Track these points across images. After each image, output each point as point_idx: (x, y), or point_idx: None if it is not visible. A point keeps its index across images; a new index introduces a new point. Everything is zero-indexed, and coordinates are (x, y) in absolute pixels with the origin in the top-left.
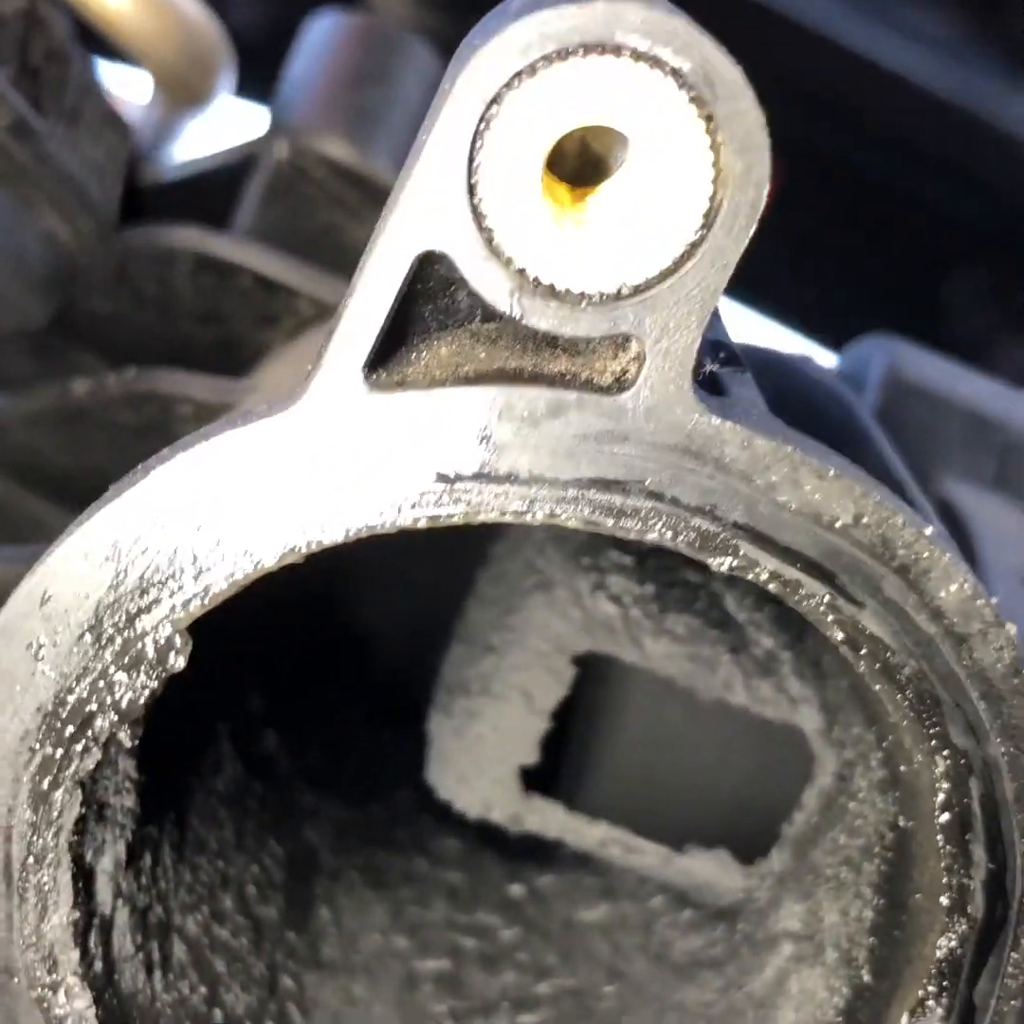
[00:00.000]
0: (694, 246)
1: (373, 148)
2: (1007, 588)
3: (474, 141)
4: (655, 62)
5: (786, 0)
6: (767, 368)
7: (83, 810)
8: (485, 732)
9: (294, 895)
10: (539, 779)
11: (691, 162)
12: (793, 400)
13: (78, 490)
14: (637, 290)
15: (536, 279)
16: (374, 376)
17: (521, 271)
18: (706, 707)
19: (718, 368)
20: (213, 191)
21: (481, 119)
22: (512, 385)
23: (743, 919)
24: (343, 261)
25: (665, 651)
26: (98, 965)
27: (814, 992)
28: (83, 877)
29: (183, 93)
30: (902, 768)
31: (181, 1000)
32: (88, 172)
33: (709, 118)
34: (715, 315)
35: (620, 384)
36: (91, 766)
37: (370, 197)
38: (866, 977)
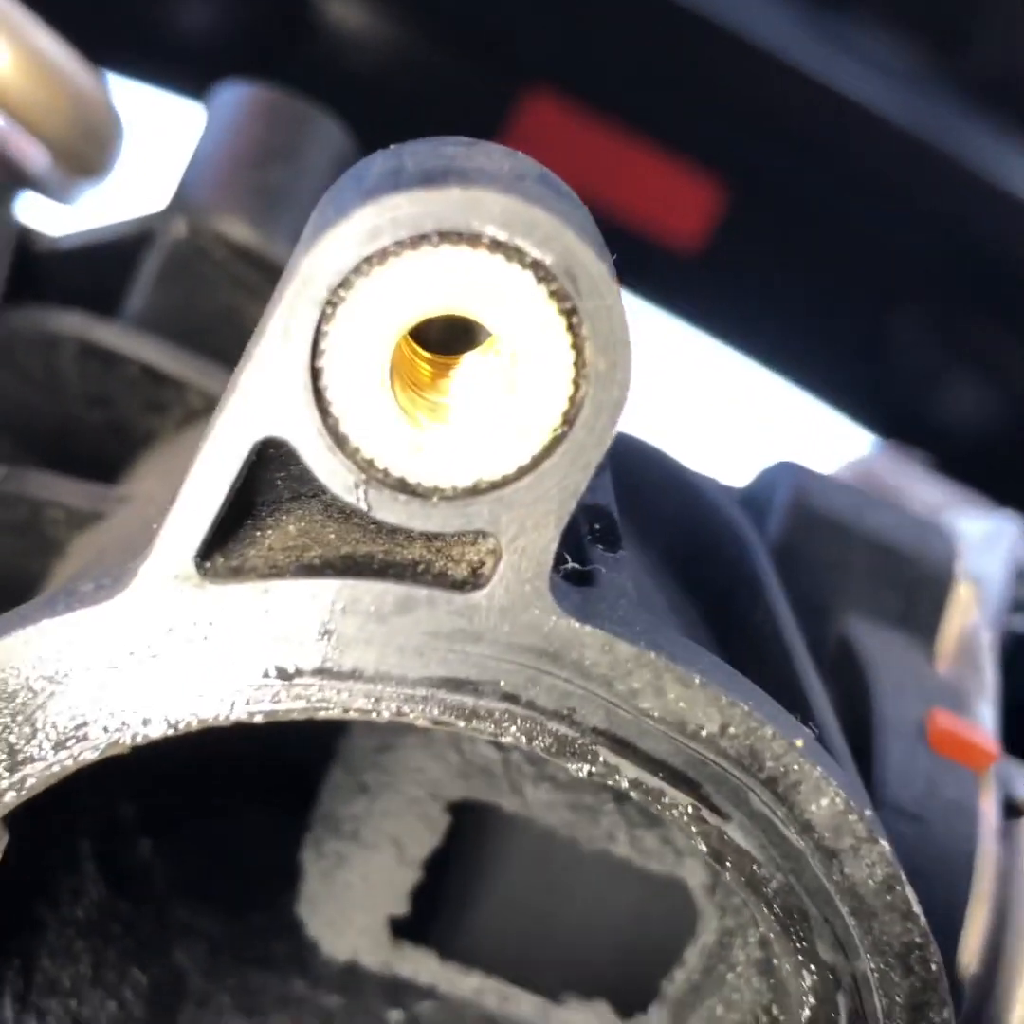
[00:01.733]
0: (553, 443)
1: (276, 229)
2: (903, 747)
3: (319, 325)
4: (514, 253)
5: (744, 22)
6: (667, 489)
7: None
8: (353, 880)
9: None
10: (414, 919)
11: (552, 357)
12: (688, 529)
13: None
14: (493, 486)
15: (385, 470)
16: (208, 564)
17: (369, 462)
18: (588, 856)
19: (589, 543)
20: (109, 263)
21: (326, 303)
22: (358, 579)
23: None
24: (242, 344)
25: (547, 799)
26: None
27: None
28: None
29: (77, 164)
30: (774, 961)
31: None
32: None
33: (571, 312)
34: (600, 470)
35: (475, 577)
36: None
37: (272, 279)
38: None
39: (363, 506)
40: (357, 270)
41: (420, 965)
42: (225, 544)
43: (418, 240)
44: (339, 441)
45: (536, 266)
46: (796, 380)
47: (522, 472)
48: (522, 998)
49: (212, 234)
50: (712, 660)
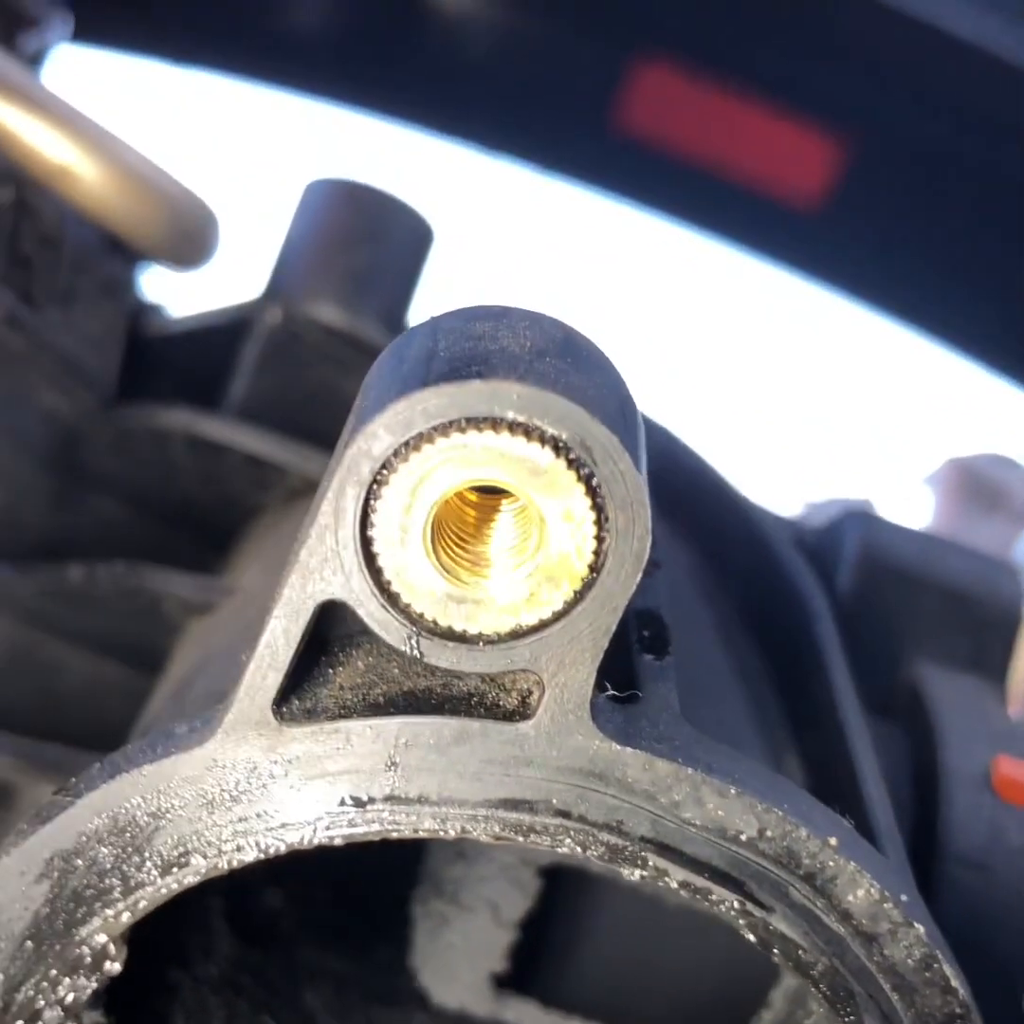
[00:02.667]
0: (583, 592)
1: (364, 309)
2: (968, 795)
3: (366, 502)
4: (534, 432)
5: None
6: (745, 543)
7: None
8: (455, 941)
9: None
10: (517, 970)
11: (575, 517)
12: (762, 586)
13: (91, 641)
14: (532, 630)
15: (434, 621)
16: (284, 708)
17: (419, 615)
18: (674, 910)
19: (637, 651)
20: (213, 349)
21: (371, 484)
22: (418, 716)
23: None
24: (340, 415)
25: None
26: None
27: None
28: None
29: (177, 263)
30: None
31: None
32: (85, 348)
33: (590, 477)
34: (650, 583)
35: (524, 706)
36: None
37: (362, 354)
38: None
39: (416, 653)
40: (396, 455)
41: (524, 1013)
42: (300, 685)
43: (447, 426)
44: (391, 599)
45: (554, 441)
46: (932, 332)
47: (557, 616)
48: None
49: (305, 319)
50: (749, 766)
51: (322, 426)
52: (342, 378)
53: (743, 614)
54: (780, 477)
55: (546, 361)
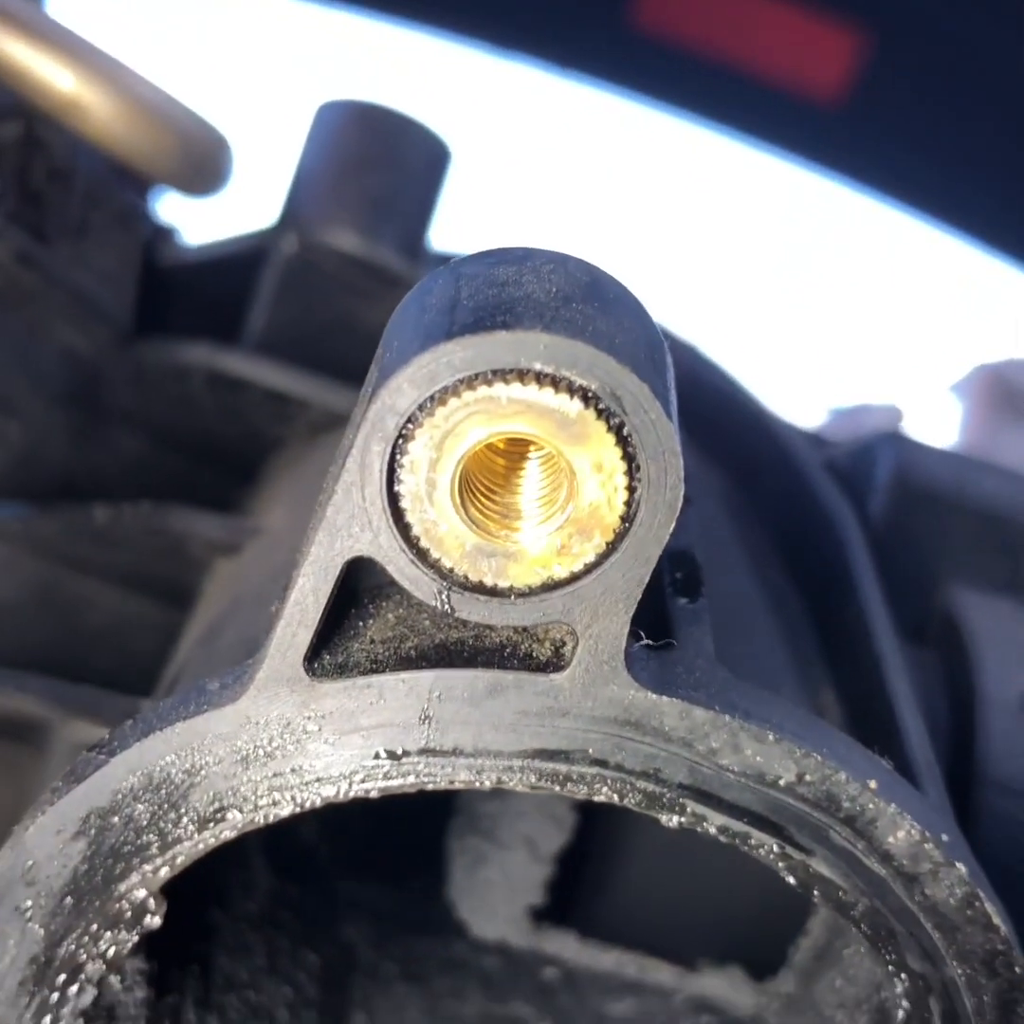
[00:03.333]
0: (615, 543)
1: (382, 235)
2: (1006, 721)
3: (392, 457)
4: (562, 382)
5: None
6: (780, 468)
7: None
8: (493, 877)
9: (329, 1007)
10: (554, 902)
11: (607, 467)
12: (795, 513)
13: (119, 578)
14: (564, 582)
15: (465, 576)
16: (315, 664)
17: (449, 570)
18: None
19: (671, 594)
20: (230, 278)
21: (396, 438)
22: (450, 668)
23: None
24: (360, 345)
25: None
26: None
27: None
28: None
29: (190, 190)
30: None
31: None
32: (100, 282)
33: (621, 427)
34: (682, 521)
35: (558, 657)
36: (88, 1001)
37: (382, 282)
38: None
39: (447, 608)
40: (421, 408)
41: (563, 945)
42: (331, 640)
43: (473, 379)
44: (420, 555)
45: (583, 391)
46: (959, 226)
47: (589, 568)
48: (660, 968)
49: (322, 247)
50: (786, 709)
51: (343, 355)
52: (361, 306)
53: (776, 541)
54: (807, 382)
55: (573, 307)
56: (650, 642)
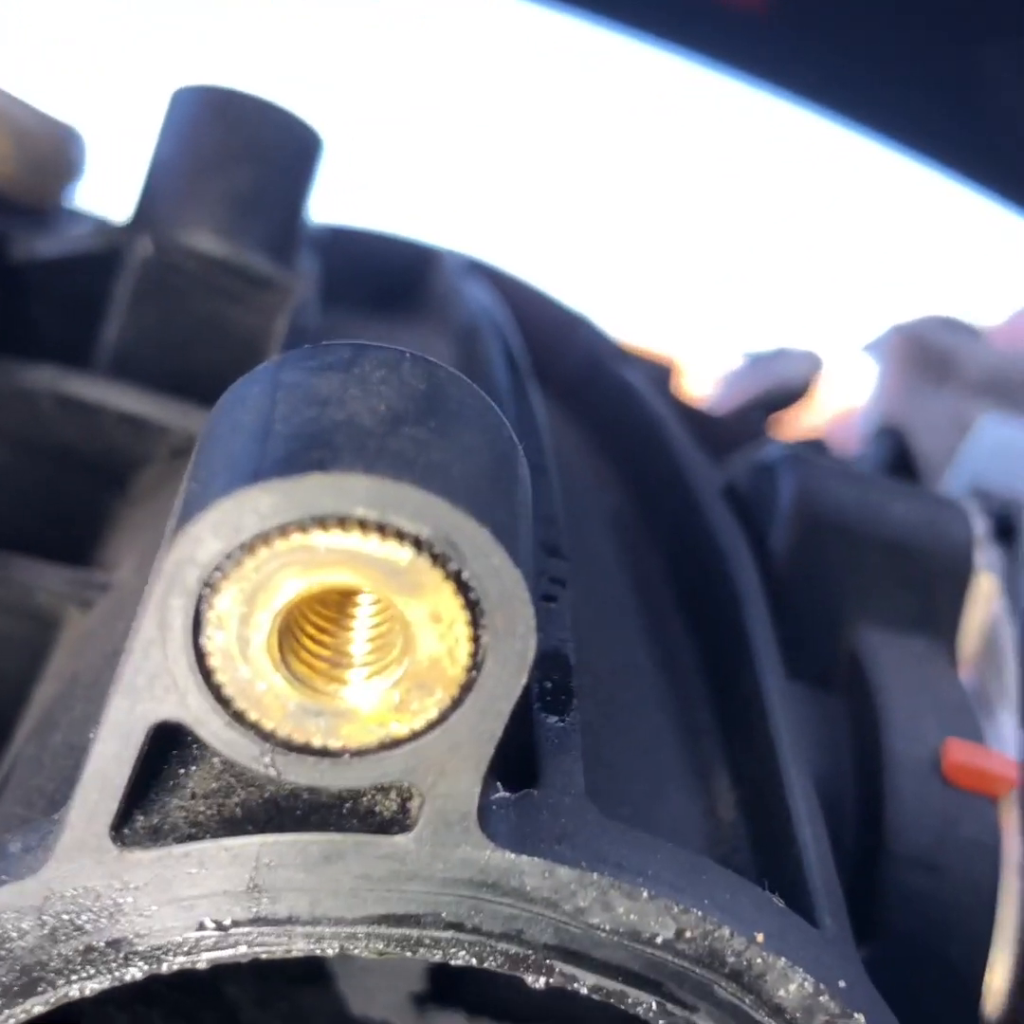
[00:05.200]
0: (461, 697)
1: (246, 236)
2: (916, 786)
3: (197, 610)
4: (389, 529)
5: None
6: (670, 487)
7: None
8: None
9: None
10: (438, 984)
11: (446, 618)
12: (688, 547)
13: None
14: (403, 741)
15: (289, 737)
16: (126, 828)
17: (271, 731)
18: None
19: (538, 709)
20: (81, 278)
21: (200, 590)
22: (279, 833)
23: None
24: (225, 349)
25: None
26: None
27: None
28: None
29: (32, 198)
30: None
31: None
32: None
33: (459, 574)
34: (550, 608)
35: (404, 812)
36: None
37: (249, 283)
38: None
39: (272, 772)
40: (227, 559)
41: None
42: (147, 794)
43: (285, 527)
44: (237, 717)
45: (414, 538)
46: (882, 131)
47: (432, 725)
48: None
49: (180, 249)
50: (665, 855)
51: (207, 364)
52: (227, 306)
53: (669, 571)
54: (726, 321)
55: (402, 433)
56: (507, 795)
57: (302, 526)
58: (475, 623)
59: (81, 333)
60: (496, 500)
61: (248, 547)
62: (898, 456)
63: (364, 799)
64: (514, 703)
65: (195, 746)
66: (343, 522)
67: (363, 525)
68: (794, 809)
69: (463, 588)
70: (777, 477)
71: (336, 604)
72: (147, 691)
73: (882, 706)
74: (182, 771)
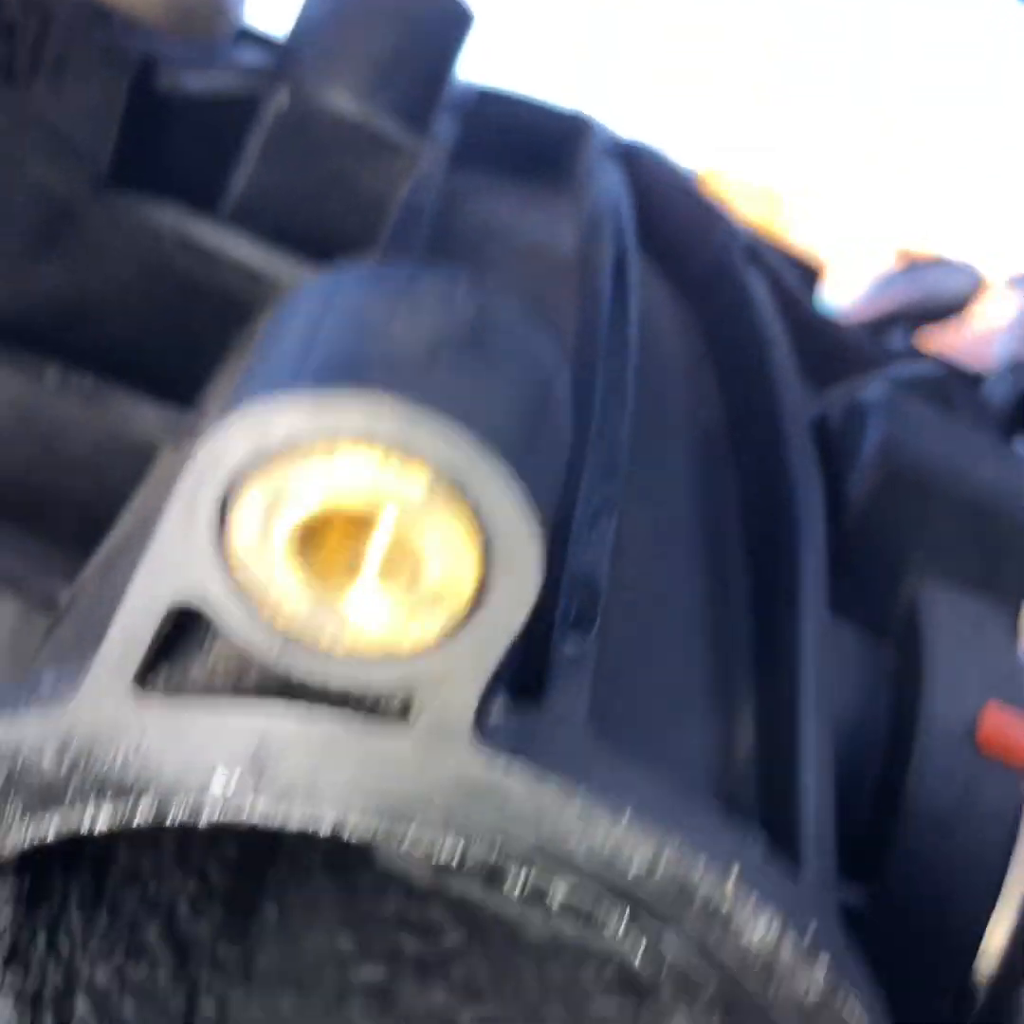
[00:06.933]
0: (465, 618)
1: (382, 100)
2: (947, 748)
3: (223, 503)
4: (410, 456)
5: None
6: (759, 418)
7: None
8: None
9: (238, 899)
10: None
11: (455, 548)
12: (764, 488)
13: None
14: (407, 655)
15: (300, 636)
16: (148, 679)
17: (282, 630)
18: None
19: (560, 624)
20: (223, 116)
21: (227, 486)
22: (288, 708)
23: (646, 1008)
24: (350, 208)
25: None
26: None
27: None
28: None
29: (185, 34)
30: None
31: None
32: (78, 122)
33: (472, 506)
34: (590, 533)
35: (404, 711)
36: None
37: (378, 146)
38: None
39: (281, 668)
40: (253, 464)
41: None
42: (171, 656)
43: (312, 439)
44: (251, 610)
45: (434, 465)
46: None
47: (434, 645)
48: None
49: (315, 105)
50: (654, 785)
51: (327, 222)
52: (357, 165)
53: (743, 505)
54: (880, 222)
55: (441, 361)
56: (506, 712)
57: (328, 440)
58: (483, 555)
59: (210, 176)
60: (523, 438)
61: (274, 454)
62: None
63: (369, 695)
64: (515, 633)
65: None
66: (368, 442)
67: (386, 448)
68: (804, 755)
69: (475, 520)
70: (867, 420)
71: (355, 518)
72: (168, 574)
73: (928, 662)
74: (202, 643)
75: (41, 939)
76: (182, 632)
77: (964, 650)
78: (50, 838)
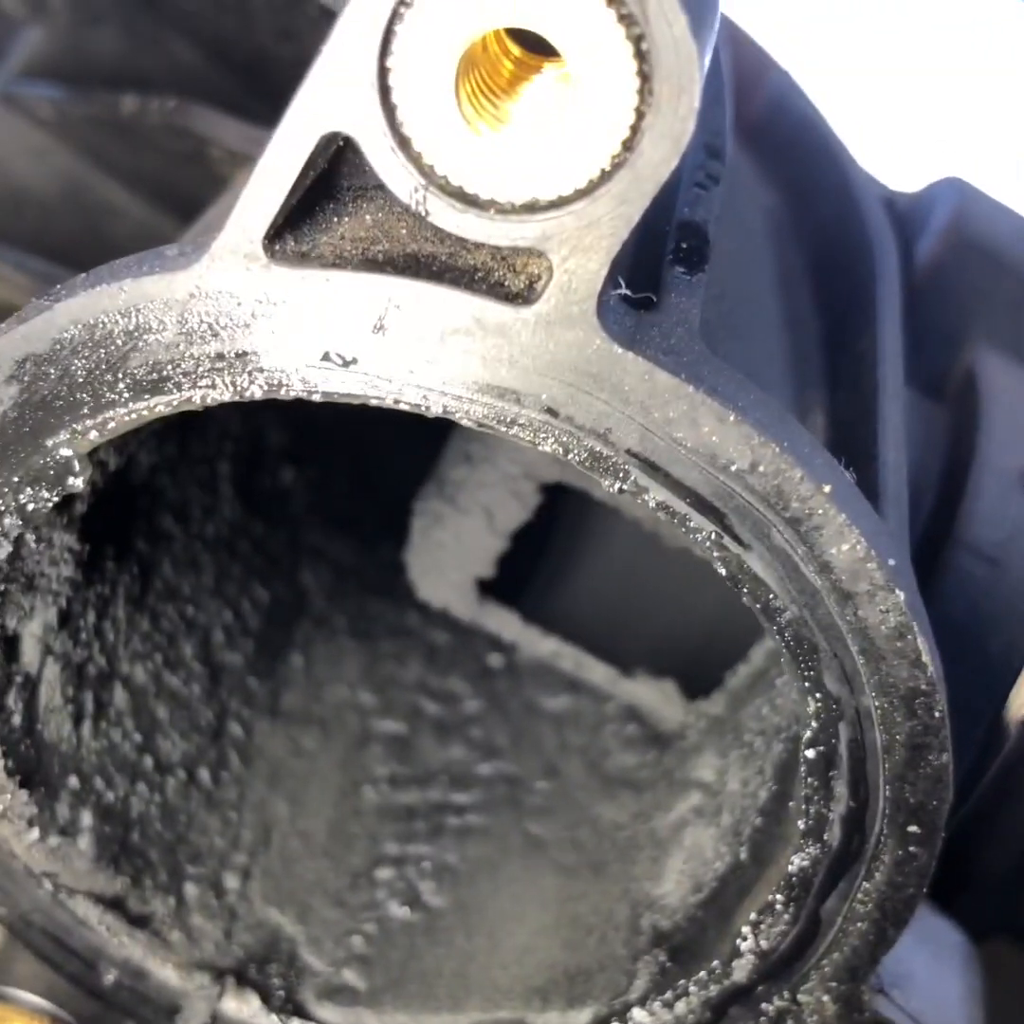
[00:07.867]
0: (611, 171)
1: None
2: (999, 491)
3: (389, 25)
4: None
5: None
6: (830, 192)
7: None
8: (446, 539)
9: (268, 641)
10: (504, 585)
11: (616, 81)
12: (838, 239)
13: (144, 185)
14: (548, 206)
15: (445, 178)
16: (277, 246)
17: (430, 168)
18: (672, 552)
19: (669, 262)
20: None
21: (397, 5)
22: (415, 280)
23: (671, 753)
24: None
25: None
26: (16, 719)
27: (703, 849)
28: (3, 643)
29: None
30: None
31: (110, 747)
32: None
33: (639, 40)
34: (698, 192)
35: (530, 291)
36: (2, 556)
37: None
38: (744, 855)
39: (421, 210)
40: None
41: (504, 623)
42: (300, 227)
43: None
44: (402, 142)
45: None
46: None
47: (578, 195)
48: (595, 666)
49: None
50: (758, 398)
51: None
52: None
53: (813, 268)
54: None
55: None
56: (629, 293)
57: None
58: (643, 95)
59: None
60: None
61: None
62: None
63: (496, 272)
64: (658, 189)
65: (350, 191)
66: None
67: None
68: (882, 429)
69: (640, 55)
70: (937, 196)
71: (516, 60)
72: (327, 99)
73: (985, 417)
74: (334, 219)
75: (91, 617)
76: (309, 209)
77: (1019, 412)
78: (159, 412)
